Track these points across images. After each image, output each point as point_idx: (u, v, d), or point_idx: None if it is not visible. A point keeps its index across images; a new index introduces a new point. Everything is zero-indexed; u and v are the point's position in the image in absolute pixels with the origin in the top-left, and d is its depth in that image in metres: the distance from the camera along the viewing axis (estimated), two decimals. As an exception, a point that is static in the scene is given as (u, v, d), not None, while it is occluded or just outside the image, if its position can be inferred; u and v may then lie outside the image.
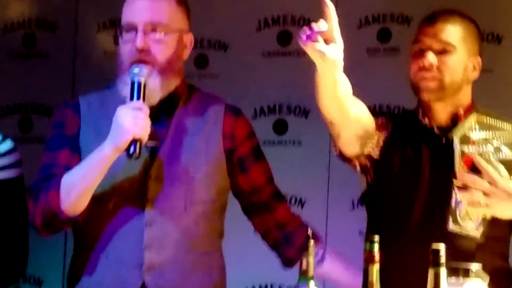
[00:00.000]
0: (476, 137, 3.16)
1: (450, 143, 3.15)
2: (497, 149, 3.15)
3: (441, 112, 3.20)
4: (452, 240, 3.07)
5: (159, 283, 2.94)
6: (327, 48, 2.86)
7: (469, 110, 3.22)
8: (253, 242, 4.53)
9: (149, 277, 2.93)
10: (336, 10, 2.79)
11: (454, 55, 3.14)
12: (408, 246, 3.12)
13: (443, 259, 2.47)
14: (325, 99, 3.11)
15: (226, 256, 4.33)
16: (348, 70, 2.94)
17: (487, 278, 2.68)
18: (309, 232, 2.61)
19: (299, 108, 4.76)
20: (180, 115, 3.01)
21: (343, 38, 2.82)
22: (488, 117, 3.21)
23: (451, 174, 3.09)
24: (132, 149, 2.78)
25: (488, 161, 3.10)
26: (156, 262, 2.95)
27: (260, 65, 4.81)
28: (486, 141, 3.16)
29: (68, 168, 2.90)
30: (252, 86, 4.79)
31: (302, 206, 4.68)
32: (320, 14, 4.53)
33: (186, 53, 3.05)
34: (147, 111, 2.81)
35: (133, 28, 2.91)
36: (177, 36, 2.97)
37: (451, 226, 3.11)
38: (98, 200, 2.90)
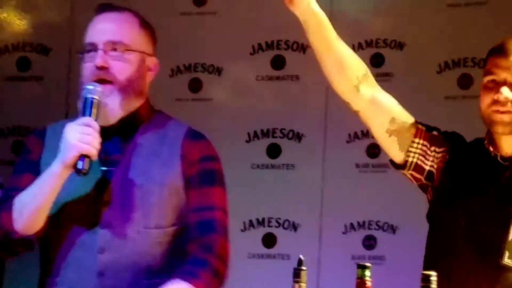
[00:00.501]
0: None
1: None
2: None
3: (509, 142, 3.15)
4: (507, 273, 3.05)
5: None
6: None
7: None
8: (247, 260, 4.58)
9: None
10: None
11: None
12: (462, 275, 3.07)
13: (434, 285, 2.43)
14: (331, 67, 3.12)
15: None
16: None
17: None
18: (302, 257, 2.57)
19: (292, 132, 4.71)
20: (138, 138, 2.94)
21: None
22: None
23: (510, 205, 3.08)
24: (79, 165, 2.70)
25: None
26: None
27: (253, 89, 4.78)
28: None
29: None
30: (245, 109, 4.76)
31: (295, 230, 4.61)
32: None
33: (150, 76, 2.99)
34: (96, 127, 2.73)
35: (94, 47, 2.87)
36: (139, 57, 2.91)
37: (507, 259, 3.05)
38: (54, 224, 2.83)
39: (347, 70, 3.13)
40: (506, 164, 3.11)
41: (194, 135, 3.01)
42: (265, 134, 4.72)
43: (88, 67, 2.88)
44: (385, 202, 4.56)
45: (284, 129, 4.70)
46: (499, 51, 3.13)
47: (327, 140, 4.66)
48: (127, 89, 2.86)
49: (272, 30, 4.72)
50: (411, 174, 3.21)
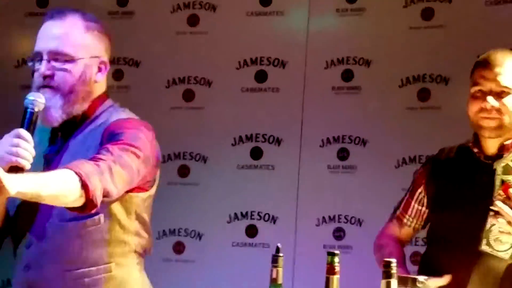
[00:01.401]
0: None
1: (493, 171, 3.11)
2: None
3: (492, 144, 3.16)
4: (484, 259, 3.06)
5: None
6: None
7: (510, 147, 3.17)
8: (232, 248, 4.63)
9: None
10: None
11: (510, 96, 3.10)
12: (447, 261, 3.10)
13: (394, 271, 2.41)
14: None
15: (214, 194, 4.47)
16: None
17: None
18: (279, 246, 2.67)
19: (272, 137, 4.71)
20: (76, 138, 2.76)
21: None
22: None
23: (490, 199, 3.04)
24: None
25: None
26: (32, 281, 2.72)
27: (239, 99, 4.77)
28: None
29: None
30: (232, 117, 4.76)
31: (274, 222, 4.62)
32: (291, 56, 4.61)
33: (100, 77, 2.79)
34: (28, 139, 2.48)
35: (39, 56, 2.70)
36: (81, 65, 2.72)
37: (483, 246, 3.05)
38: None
39: None
40: (489, 162, 3.12)
41: (116, 121, 2.76)
42: (249, 138, 4.73)
43: (35, 76, 2.71)
44: (352, 199, 4.58)
45: (265, 134, 4.71)
46: (484, 64, 3.13)
47: (302, 145, 4.66)
48: (70, 96, 2.69)
49: (256, 48, 4.75)
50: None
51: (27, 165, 2.45)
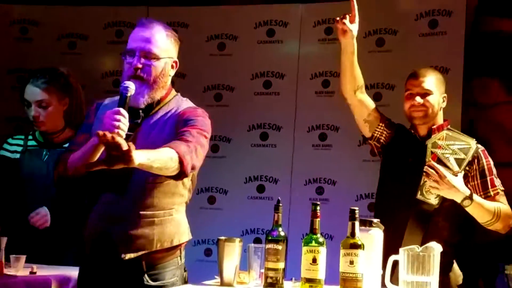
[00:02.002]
0: (442, 144, 3.20)
1: (425, 146, 3.20)
2: (454, 152, 3.16)
3: (423, 128, 3.24)
4: (419, 204, 3.13)
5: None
6: (351, 26, 3.11)
7: (441, 127, 3.24)
8: (245, 202, 4.61)
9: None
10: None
11: (432, 96, 3.21)
12: (393, 207, 3.17)
13: (357, 215, 2.46)
14: (346, 76, 3.23)
15: (235, 164, 4.47)
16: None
17: (382, 227, 2.67)
18: (279, 199, 2.66)
19: (275, 125, 4.68)
20: (153, 116, 2.64)
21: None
22: (454, 133, 3.25)
23: (423, 164, 3.11)
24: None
25: (446, 159, 3.14)
26: (111, 223, 2.61)
27: (252, 100, 4.74)
28: (448, 146, 3.18)
29: (81, 145, 2.60)
30: (247, 112, 4.73)
31: (276, 183, 4.60)
32: (288, 70, 4.58)
33: (172, 72, 2.72)
34: (125, 115, 2.45)
35: (133, 53, 2.61)
36: (163, 62, 2.64)
37: (419, 195, 3.13)
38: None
39: (354, 80, 3.25)
40: (422, 141, 3.21)
41: (192, 107, 2.70)
42: (259, 126, 4.69)
43: (127, 66, 2.62)
44: (328, 167, 4.55)
45: (270, 123, 4.66)
46: (413, 75, 3.26)
47: (295, 131, 4.62)
48: (153, 85, 2.61)
49: (263, 65, 4.71)
50: (374, 144, 3.31)
51: (124, 135, 2.42)
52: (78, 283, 2.77)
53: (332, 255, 2.56)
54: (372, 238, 2.58)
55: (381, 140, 3.30)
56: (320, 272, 2.45)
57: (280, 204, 2.62)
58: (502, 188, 3.18)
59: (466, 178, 3.13)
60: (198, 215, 4.66)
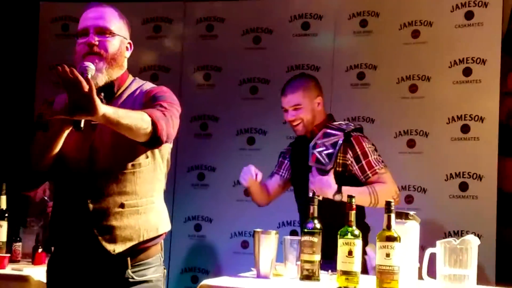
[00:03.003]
0: (319, 143, 3.25)
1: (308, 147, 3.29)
2: (327, 148, 3.21)
3: (308, 135, 3.38)
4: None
5: None
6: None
7: (320, 125, 3.35)
8: (282, 195, 4.59)
9: None
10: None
11: (302, 108, 3.36)
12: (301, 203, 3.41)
13: (393, 207, 2.43)
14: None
15: (270, 156, 4.18)
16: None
17: (419, 220, 2.65)
18: (314, 191, 2.65)
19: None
20: (116, 102, 2.45)
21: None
22: (331, 128, 3.30)
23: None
24: (80, 123, 2.21)
25: (321, 156, 3.21)
26: (95, 211, 2.40)
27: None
28: (324, 144, 3.23)
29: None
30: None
31: None
32: (323, 63, 4.53)
33: (127, 54, 2.54)
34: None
35: (86, 31, 2.45)
36: (119, 40, 2.48)
37: (309, 193, 3.06)
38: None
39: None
40: (307, 143, 3.31)
41: (152, 87, 2.53)
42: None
43: (81, 46, 2.45)
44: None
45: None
46: (281, 93, 3.44)
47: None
48: (111, 62, 2.45)
49: (299, 58, 4.67)
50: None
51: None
52: (48, 284, 2.52)
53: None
54: (408, 230, 2.55)
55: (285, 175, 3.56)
56: (356, 265, 2.44)
57: (316, 197, 2.63)
58: (381, 166, 3.26)
59: (347, 166, 3.25)
60: (235, 207, 4.67)
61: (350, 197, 2.51)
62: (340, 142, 3.24)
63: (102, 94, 2.44)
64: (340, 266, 2.44)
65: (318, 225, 2.58)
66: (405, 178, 4.33)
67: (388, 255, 2.36)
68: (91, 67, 2.35)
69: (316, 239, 2.56)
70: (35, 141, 2.38)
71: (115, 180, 2.39)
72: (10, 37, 5.05)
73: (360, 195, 3.07)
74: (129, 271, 2.40)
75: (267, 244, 2.71)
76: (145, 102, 2.44)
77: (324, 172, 3.20)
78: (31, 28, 5.09)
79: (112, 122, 2.18)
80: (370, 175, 3.24)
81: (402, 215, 2.57)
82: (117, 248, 2.37)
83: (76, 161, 2.39)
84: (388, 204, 2.43)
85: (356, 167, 3.24)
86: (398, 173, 4.27)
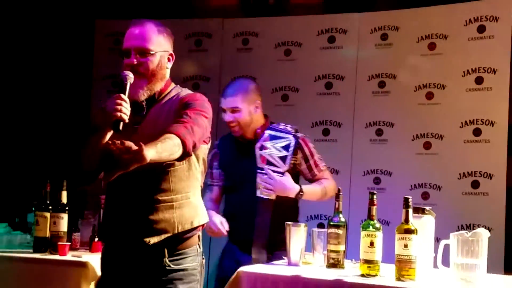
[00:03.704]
0: (267, 145, 3.16)
1: (253, 149, 3.18)
2: (279, 150, 3.14)
3: (248, 133, 3.28)
4: (262, 200, 3.12)
5: None
6: None
7: (263, 128, 3.26)
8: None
9: None
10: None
11: (239, 112, 3.23)
12: (242, 202, 3.22)
13: (411, 203, 2.43)
14: None
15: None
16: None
17: (434, 214, 2.64)
18: (340, 188, 2.65)
19: (335, 122, 4.62)
20: (156, 107, 2.47)
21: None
22: (275, 131, 3.22)
23: (255, 166, 3.14)
24: (121, 126, 2.26)
25: (274, 159, 3.13)
26: (131, 208, 2.43)
27: (315, 100, 4.69)
28: (273, 146, 3.15)
29: None
30: (311, 110, 4.68)
31: (337, 173, 4.49)
32: (347, 73, 4.52)
33: (169, 65, 2.52)
34: (127, 100, 2.30)
35: (128, 52, 2.44)
36: (159, 56, 2.45)
37: (258, 193, 3.12)
38: None
39: None
40: (247, 143, 3.25)
41: (187, 94, 2.50)
42: (322, 123, 4.63)
43: (125, 64, 2.43)
44: (385, 159, 4.48)
45: (331, 120, 4.61)
46: (222, 94, 3.28)
47: (354, 127, 4.56)
48: (151, 78, 2.43)
49: (325, 68, 4.67)
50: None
51: (126, 119, 2.28)
52: (101, 270, 2.58)
53: (389, 239, 2.54)
54: (425, 224, 2.58)
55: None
56: (377, 254, 2.45)
57: (341, 193, 2.65)
58: (324, 164, 3.31)
59: (295, 166, 3.20)
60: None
61: (372, 193, 2.51)
62: (293, 145, 3.19)
63: (144, 102, 2.46)
64: (362, 255, 2.45)
65: (342, 219, 2.60)
66: (421, 177, 4.33)
67: (406, 246, 2.37)
68: (130, 75, 2.37)
69: (341, 231, 2.59)
70: (86, 144, 2.40)
71: (152, 179, 2.39)
72: (69, 51, 5.13)
73: (316, 191, 3.21)
74: (166, 259, 2.40)
75: (297, 235, 2.74)
76: (178, 108, 2.43)
77: (279, 174, 3.12)
78: (87, 42, 5.18)
79: (156, 161, 2.20)
80: (316, 172, 3.26)
81: (419, 210, 2.59)
82: (152, 239, 2.38)
83: None
84: (406, 200, 2.43)
85: (305, 166, 3.24)
86: (415, 172, 4.35)
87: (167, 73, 2.54)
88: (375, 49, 4.58)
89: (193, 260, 2.48)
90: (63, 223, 3.30)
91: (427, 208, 2.61)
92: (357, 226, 2.66)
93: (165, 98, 2.49)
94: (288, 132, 3.23)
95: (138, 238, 2.38)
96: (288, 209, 3.20)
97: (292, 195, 3.14)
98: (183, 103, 2.44)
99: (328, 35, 4.70)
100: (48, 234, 3.29)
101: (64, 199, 3.32)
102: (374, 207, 2.49)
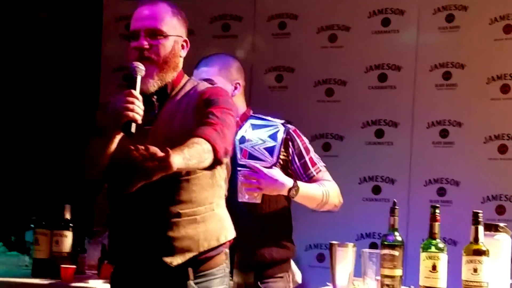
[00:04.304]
0: (249, 136, 3.04)
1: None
2: (263, 141, 3.02)
3: None
4: (247, 204, 2.97)
5: None
6: None
7: (245, 117, 3.12)
8: (360, 204, 4.59)
9: None
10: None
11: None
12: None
13: (481, 219, 2.41)
14: None
15: (348, 163, 4.42)
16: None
17: (510, 232, 2.63)
18: (395, 201, 2.65)
19: (391, 121, 4.64)
20: (170, 103, 2.50)
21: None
22: (259, 120, 3.10)
23: (236, 163, 2.98)
24: (132, 128, 2.28)
25: (258, 151, 3.01)
26: (151, 222, 2.44)
27: (366, 94, 4.70)
28: (256, 137, 3.03)
29: None
30: (361, 107, 4.70)
31: (393, 183, 4.54)
32: (404, 62, 4.51)
33: (183, 53, 2.55)
34: (139, 97, 2.31)
35: (137, 34, 2.46)
36: (173, 40, 2.48)
37: (240, 197, 2.97)
38: None
39: None
40: None
41: (206, 88, 2.53)
42: (374, 122, 4.65)
43: (132, 51, 2.46)
44: (451, 166, 4.46)
45: (385, 119, 4.63)
46: (196, 64, 3.09)
47: (413, 126, 4.56)
48: (163, 65, 2.45)
49: (378, 57, 4.66)
50: None
51: (139, 120, 2.29)
52: None
53: (455, 261, 2.54)
54: (498, 244, 2.57)
55: None
56: (441, 280, 2.45)
57: (397, 207, 2.63)
58: (323, 164, 3.10)
59: (286, 163, 3.03)
60: (307, 218, 4.67)
61: (435, 207, 2.50)
62: (283, 134, 3.05)
63: (155, 97, 2.49)
64: (423, 281, 2.45)
65: (399, 238, 2.59)
66: (495, 187, 4.31)
67: (475, 270, 2.38)
68: (140, 67, 2.38)
69: (397, 253, 2.57)
70: (88, 149, 2.40)
71: (170, 189, 2.39)
72: (72, 39, 5.19)
73: (315, 191, 3.01)
74: (191, 282, 2.42)
75: (344, 257, 2.71)
76: (198, 105, 2.45)
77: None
78: (93, 28, 5.21)
79: (184, 169, 2.24)
80: (314, 173, 3.08)
81: (492, 227, 2.58)
82: (175, 260, 2.39)
83: None
84: (475, 215, 2.44)
85: (298, 164, 3.06)
86: (488, 182, 4.33)
87: (181, 62, 2.56)
88: (439, 33, 4.57)
89: (222, 282, 2.51)
90: (67, 242, 3.37)
91: (502, 224, 2.61)
92: (416, 246, 2.65)
93: (179, 93, 2.51)
94: (272, 121, 3.12)
95: (156, 259, 2.39)
96: (277, 216, 3.05)
97: (284, 191, 2.99)
98: (204, 99, 2.45)
99: (382, 16, 4.69)
100: (49, 256, 3.34)
101: (68, 215, 3.38)
102: (437, 224, 2.50)
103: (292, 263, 3.09)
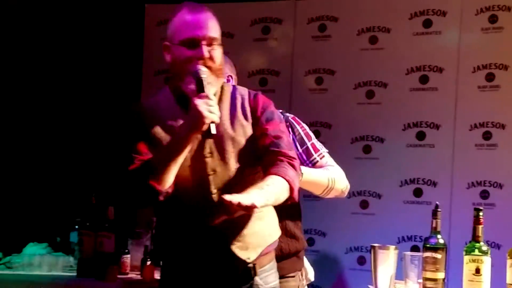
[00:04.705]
0: None
1: None
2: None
3: None
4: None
5: None
6: None
7: None
8: (401, 207, 4.58)
9: None
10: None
11: None
12: None
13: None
14: None
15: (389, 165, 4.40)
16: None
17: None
18: (438, 203, 2.64)
19: (432, 123, 4.63)
20: (225, 104, 2.50)
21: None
22: None
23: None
24: (213, 130, 2.31)
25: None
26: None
27: (407, 96, 4.69)
28: None
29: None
30: (402, 109, 4.70)
31: (435, 186, 4.55)
32: (446, 64, 4.52)
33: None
34: (212, 98, 2.34)
35: (196, 43, 2.41)
36: (221, 48, 2.49)
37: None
38: None
39: None
40: None
41: (254, 95, 2.55)
42: (415, 125, 4.64)
43: (193, 57, 2.41)
44: (494, 168, 4.45)
45: (427, 121, 4.61)
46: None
47: (456, 129, 4.55)
48: (218, 72, 2.44)
49: (420, 58, 4.66)
50: None
51: (218, 120, 2.32)
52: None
53: (499, 265, 2.53)
54: (544, 247, 2.51)
55: None
56: (485, 284, 2.44)
57: (439, 209, 2.63)
58: (326, 150, 2.98)
59: None
60: (350, 220, 4.71)
61: (478, 210, 2.49)
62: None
63: None
64: (466, 285, 2.44)
65: (441, 241, 2.59)
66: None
67: (520, 273, 2.36)
68: (203, 69, 2.39)
69: (440, 256, 2.57)
70: (164, 155, 2.34)
71: (239, 187, 2.34)
72: (116, 41, 5.26)
73: (320, 176, 2.88)
74: (257, 278, 2.46)
75: (386, 260, 2.72)
76: (255, 116, 2.48)
77: None
78: (135, 32, 5.29)
79: (263, 206, 2.25)
80: (317, 158, 2.94)
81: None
82: (251, 255, 2.44)
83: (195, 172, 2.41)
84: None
85: (300, 150, 2.94)
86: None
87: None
88: (482, 34, 4.55)
89: (276, 277, 2.56)
90: (110, 244, 3.40)
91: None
92: (459, 249, 2.65)
93: (222, 98, 2.52)
94: None
95: (230, 256, 2.41)
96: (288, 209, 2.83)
97: None
98: (261, 107, 2.50)
99: (423, 18, 4.68)
100: (93, 256, 3.39)
101: (112, 216, 3.42)
102: (480, 227, 2.49)
103: (305, 259, 3.05)
